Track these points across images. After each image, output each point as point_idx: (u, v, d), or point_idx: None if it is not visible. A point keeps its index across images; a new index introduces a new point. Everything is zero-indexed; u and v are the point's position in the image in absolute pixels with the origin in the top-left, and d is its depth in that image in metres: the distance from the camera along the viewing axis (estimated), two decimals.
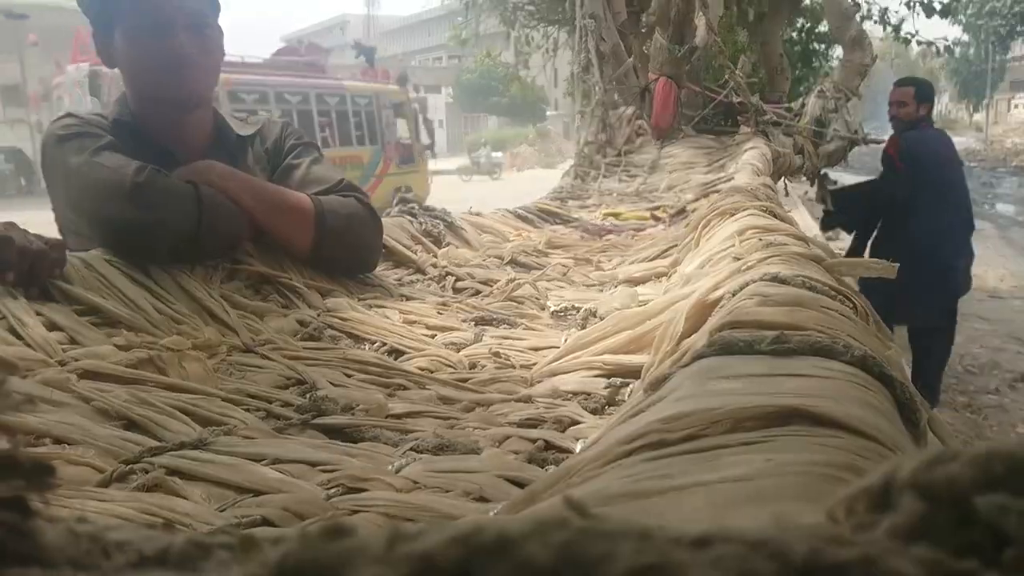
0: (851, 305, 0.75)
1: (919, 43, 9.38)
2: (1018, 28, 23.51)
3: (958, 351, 6.06)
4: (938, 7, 9.17)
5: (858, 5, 8.52)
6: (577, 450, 0.71)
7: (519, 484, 0.63)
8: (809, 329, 0.59)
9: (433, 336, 1.24)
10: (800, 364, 0.50)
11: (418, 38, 57.52)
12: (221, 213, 1.30)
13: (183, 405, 0.84)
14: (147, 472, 0.64)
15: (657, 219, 2.40)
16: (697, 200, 2.46)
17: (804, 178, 4.47)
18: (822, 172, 4.32)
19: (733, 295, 0.80)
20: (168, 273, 1.24)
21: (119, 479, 0.64)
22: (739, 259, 0.92)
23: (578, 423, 0.84)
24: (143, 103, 1.39)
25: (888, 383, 0.48)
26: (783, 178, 4.11)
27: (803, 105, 4.36)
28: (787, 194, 4.52)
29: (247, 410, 0.87)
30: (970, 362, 5.89)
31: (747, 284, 0.79)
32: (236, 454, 0.70)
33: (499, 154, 25.40)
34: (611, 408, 0.90)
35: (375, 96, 11.80)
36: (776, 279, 0.77)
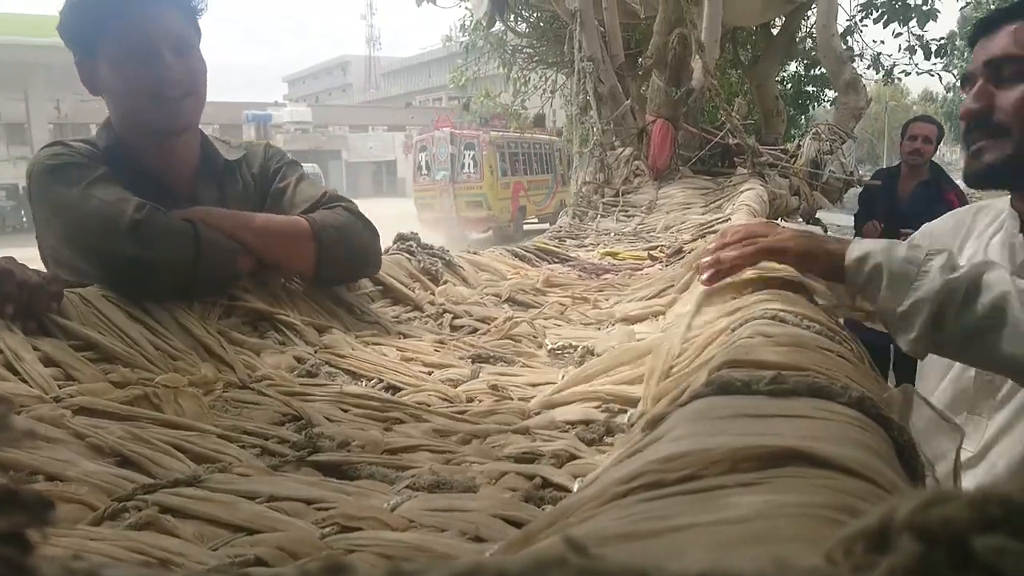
0: (848, 347, 0.75)
1: (918, 73, 9.62)
2: None
3: None
4: (933, 47, 9.39)
5: (851, 50, 8.68)
6: (575, 489, 0.71)
7: (516, 523, 0.63)
8: (807, 370, 0.59)
9: (430, 373, 1.24)
10: (798, 404, 0.50)
11: (419, 79, 58.28)
12: (218, 250, 1.31)
13: (178, 442, 0.83)
14: (140, 510, 0.63)
15: (654, 259, 2.41)
16: (694, 240, 2.48)
17: (800, 219, 4.49)
18: (815, 216, 4.35)
19: (732, 331, 0.80)
20: (165, 309, 1.24)
21: (111, 517, 0.63)
22: (736, 297, 0.92)
23: (576, 458, 0.83)
24: (131, 130, 1.39)
25: (886, 425, 0.48)
26: (780, 219, 4.13)
27: (799, 147, 4.41)
28: None
29: (242, 447, 0.87)
30: None
31: (746, 322, 0.79)
32: (230, 492, 0.70)
33: None
34: (609, 438, 0.89)
35: (550, 143, 18.19)
36: (775, 318, 0.77)
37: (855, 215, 4.54)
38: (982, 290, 0.87)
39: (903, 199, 4.17)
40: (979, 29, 1.16)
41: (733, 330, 0.78)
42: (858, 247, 0.97)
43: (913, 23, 8.84)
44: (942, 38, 9.69)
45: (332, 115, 49.00)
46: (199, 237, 1.27)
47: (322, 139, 42.54)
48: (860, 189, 4.49)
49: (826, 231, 4.70)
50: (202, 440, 0.85)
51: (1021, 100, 1.06)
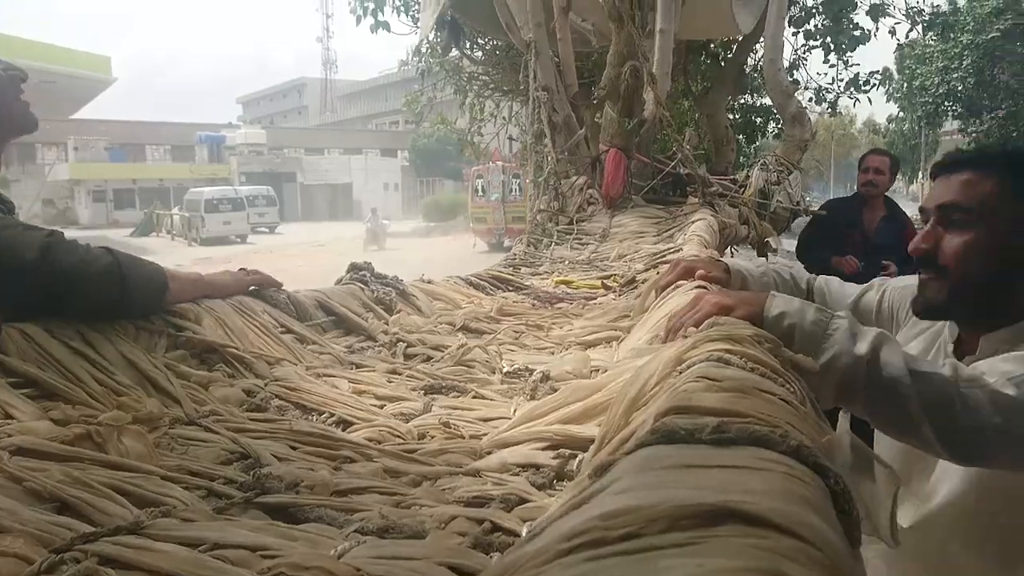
0: (790, 389, 0.76)
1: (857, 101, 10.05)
2: (944, 104, 24.78)
3: None
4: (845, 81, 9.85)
5: (797, 83, 8.93)
6: (524, 533, 0.71)
7: (463, 572, 0.63)
8: (750, 416, 0.61)
9: (382, 406, 1.24)
10: (739, 455, 0.51)
11: (375, 103, 58.21)
12: (137, 262, 1.30)
13: (121, 484, 0.81)
14: (79, 561, 0.62)
15: (608, 288, 2.44)
16: (647, 270, 2.51)
17: (750, 246, 4.58)
18: (765, 240, 4.43)
19: (680, 373, 0.81)
20: (109, 341, 1.22)
21: (48, 571, 0.61)
22: (687, 337, 0.94)
23: (526, 501, 0.84)
24: None
25: (822, 473, 0.50)
26: (729, 247, 4.21)
27: (747, 177, 4.51)
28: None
29: (187, 488, 0.85)
30: None
31: (693, 364, 0.81)
32: (173, 539, 0.68)
33: (387, 221, 25.32)
34: (560, 483, 0.89)
35: None
36: (720, 360, 0.79)
37: (806, 241, 4.56)
38: (881, 368, 1.00)
39: (872, 232, 4.27)
40: (939, 168, 1.25)
41: (681, 372, 0.80)
42: (776, 304, 1.07)
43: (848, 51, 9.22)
44: (869, 74, 10.09)
45: (287, 137, 48.62)
46: (113, 251, 1.26)
47: (276, 161, 42.17)
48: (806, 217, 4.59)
49: (776, 250, 4.80)
50: (146, 482, 0.83)
51: (961, 248, 1.15)
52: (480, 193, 21.91)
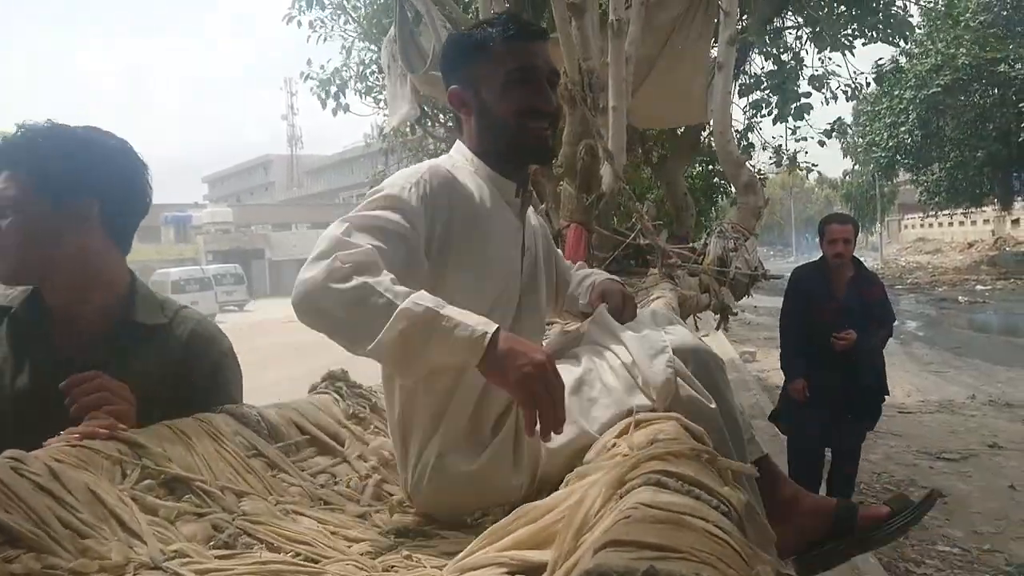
0: (726, 508, 0.81)
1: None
2: (897, 157, 25.70)
3: (875, 469, 6.25)
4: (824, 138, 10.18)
5: (753, 147, 9.21)
6: None
7: None
8: (681, 552, 0.65)
9: (349, 546, 1.23)
10: None
11: (342, 176, 58.69)
12: None
13: None
14: None
15: None
16: None
17: (712, 313, 4.66)
18: (726, 306, 4.52)
19: (620, 498, 0.85)
20: (76, 474, 1.21)
21: None
22: (627, 455, 0.99)
23: None
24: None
25: None
26: (691, 315, 4.28)
27: (706, 245, 4.62)
28: (697, 328, 4.68)
29: None
30: (887, 480, 6.07)
31: (633, 488, 0.85)
32: None
33: None
34: None
35: None
36: (659, 484, 0.83)
37: (787, 309, 4.75)
38: None
39: (839, 296, 4.51)
40: None
41: (621, 496, 0.84)
42: None
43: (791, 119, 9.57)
44: (824, 131, 10.47)
45: (254, 214, 48.75)
46: None
47: (244, 239, 42.14)
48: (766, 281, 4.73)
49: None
50: None
51: None
52: None
